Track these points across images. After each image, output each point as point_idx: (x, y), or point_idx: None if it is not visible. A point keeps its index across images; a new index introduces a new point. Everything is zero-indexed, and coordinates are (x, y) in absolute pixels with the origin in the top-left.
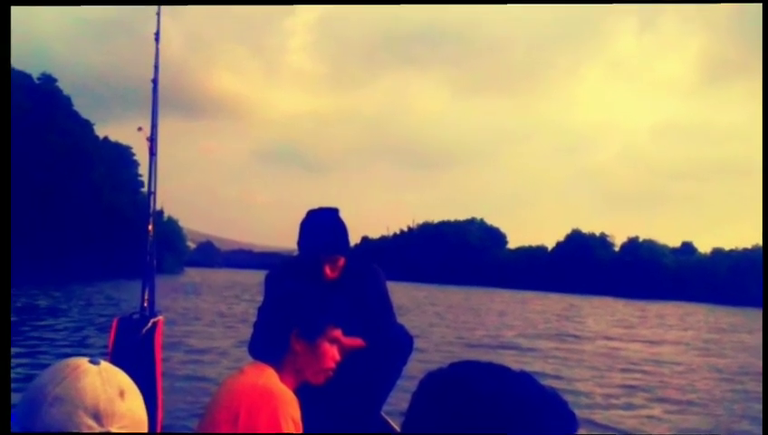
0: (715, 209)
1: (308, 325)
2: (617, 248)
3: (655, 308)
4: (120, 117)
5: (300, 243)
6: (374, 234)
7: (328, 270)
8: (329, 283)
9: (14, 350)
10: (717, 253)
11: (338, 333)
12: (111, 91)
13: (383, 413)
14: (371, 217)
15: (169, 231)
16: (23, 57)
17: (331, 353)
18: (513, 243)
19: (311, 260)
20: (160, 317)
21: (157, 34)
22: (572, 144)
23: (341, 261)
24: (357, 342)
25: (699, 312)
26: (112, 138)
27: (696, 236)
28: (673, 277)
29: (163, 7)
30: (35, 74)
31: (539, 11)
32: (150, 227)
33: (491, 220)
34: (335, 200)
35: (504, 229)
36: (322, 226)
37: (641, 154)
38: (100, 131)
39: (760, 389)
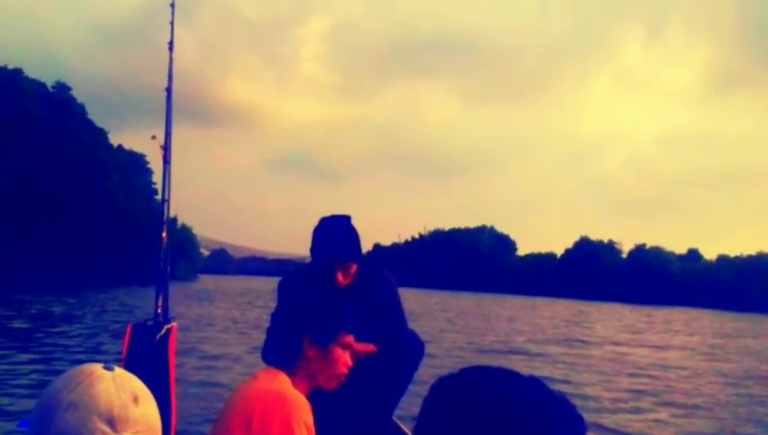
0: (720, 217)
1: (321, 331)
2: (624, 255)
3: (661, 314)
4: (134, 125)
5: (312, 250)
6: (386, 241)
7: (340, 277)
8: (341, 289)
9: (28, 356)
10: (723, 259)
11: (350, 338)
12: (125, 99)
13: (395, 418)
14: (383, 224)
15: (183, 238)
16: (37, 66)
17: (344, 359)
18: (522, 250)
19: (323, 267)
20: (174, 323)
21: (170, 43)
22: (581, 152)
23: (354, 268)
24: (369, 347)
25: (705, 317)
26: (126, 146)
27: (701, 242)
28: (679, 283)
29: (177, 16)
30: (50, 83)
31: (548, 21)
32: (164, 235)
33: (501, 227)
34: (347, 207)
35: (513, 236)
36: (335, 233)
37: (648, 162)
38: (115, 140)
39: (765, 392)
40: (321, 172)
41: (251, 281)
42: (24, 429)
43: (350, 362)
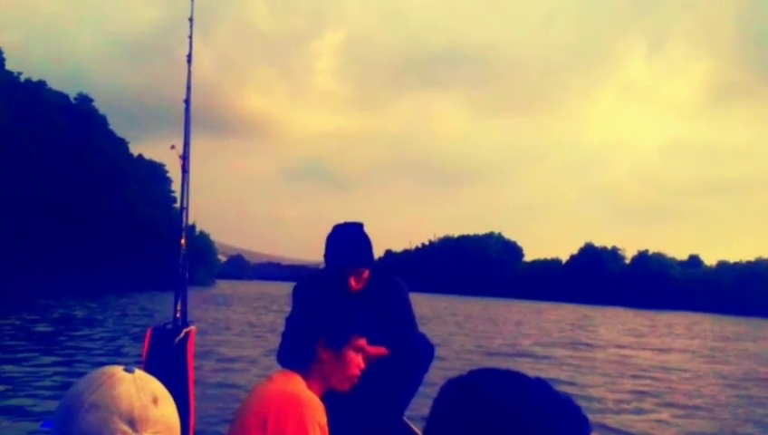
0: (720, 224)
1: (334, 335)
2: (627, 261)
3: (663, 318)
4: (153, 136)
5: (326, 256)
6: (397, 247)
7: (353, 282)
8: (354, 294)
9: (51, 359)
10: (722, 265)
11: (363, 342)
12: (146, 110)
13: (406, 418)
14: (394, 231)
15: (201, 245)
16: (60, 78)
17: (356, 362)
18: (529, 256)
19: (337, 272)
20: (193, 327)
21: (189, 57)
22: (585, 162)
23: (366, 273)
24: (381, 350)
25: (705, 321)
26: (146, 156)
27: (702, 249)
28: (681, 288)
29: (195, 31)
30: (72, 94)
31: (554, 35)
32: (183, 241)
33: (508, 234)
34: (360, 215)
35: (520, 243)
36: (348, 240)
37: (650, 171)
38: (135, 150)
39: (763, 394)
40: (335, 181)
41: (266, 286)
42: (48, 429)
43: (362, 365)
